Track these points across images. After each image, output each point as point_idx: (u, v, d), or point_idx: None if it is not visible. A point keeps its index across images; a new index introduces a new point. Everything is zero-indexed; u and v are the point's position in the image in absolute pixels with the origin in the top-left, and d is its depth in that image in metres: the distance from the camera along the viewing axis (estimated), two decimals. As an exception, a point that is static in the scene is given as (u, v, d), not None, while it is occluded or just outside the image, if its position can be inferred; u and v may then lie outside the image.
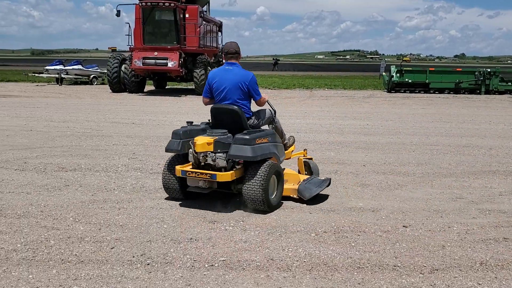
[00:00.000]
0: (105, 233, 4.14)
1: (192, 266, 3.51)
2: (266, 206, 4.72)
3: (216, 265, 3.53)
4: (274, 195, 4.91)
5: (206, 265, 3.52)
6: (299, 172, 5.83)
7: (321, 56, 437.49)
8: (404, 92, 23.25)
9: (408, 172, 6.70)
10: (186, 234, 4.15)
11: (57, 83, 25.76)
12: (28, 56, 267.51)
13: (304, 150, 6.13)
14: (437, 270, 3.53)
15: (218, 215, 4.68)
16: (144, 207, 4.89)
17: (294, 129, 10.72)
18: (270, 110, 5.56)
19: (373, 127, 11.30)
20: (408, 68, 23.85)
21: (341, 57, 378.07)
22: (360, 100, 19.33)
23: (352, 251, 3.85)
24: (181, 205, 4.99)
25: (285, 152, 5.62)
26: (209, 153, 4.73)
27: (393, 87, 23.25)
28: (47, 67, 27.02)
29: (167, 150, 5.02)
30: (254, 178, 4.66)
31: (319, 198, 5.29)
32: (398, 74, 22.93)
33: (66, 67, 26.65)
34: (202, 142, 4.69)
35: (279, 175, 4.99)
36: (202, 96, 5.45)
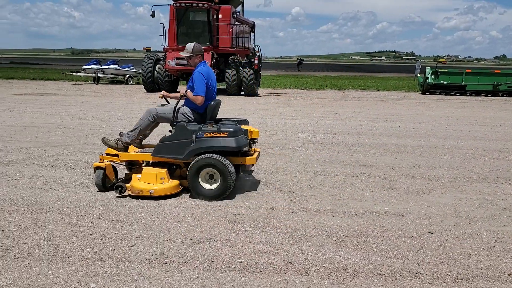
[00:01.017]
0: (126, 230, 4.18)
1: (209, 266, 3.49)
2: None
3: (233, 266, 3.50)
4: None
5: (223, 266, 3.50)
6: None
7: (356, 57, 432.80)
8: (439, 94, 22.71)
9: (438, 176, 6.50)
10: (205, 234, 4.14)
11: (94, 82, 26.39)
12: (68, 55, 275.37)
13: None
14: (461, 279, 3.40)
15: (239, 215, 4.66)
16: (167, 206, 4.92)
17: (324, 130, 10.62)
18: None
19: (405, 129, 11.06)
20: (443, 70, 23.28)
21: (376, 58, 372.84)
22: (393, 101, 18.99)
23: (374, 257, 3.75)
24: (203, 204, 4.99)
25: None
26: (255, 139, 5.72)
27: (428, 89, 22.75)
28: (84, 66, 27.77)
29: (241, 146, 5.18)
30: None
31: (343, 202, 5.21)
32: (433, 76, 22.42)
33: (102, 67, 27.28)
34: (257, 130, 5.67)
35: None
36: (201, 97, 5.37)
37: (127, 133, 5.56)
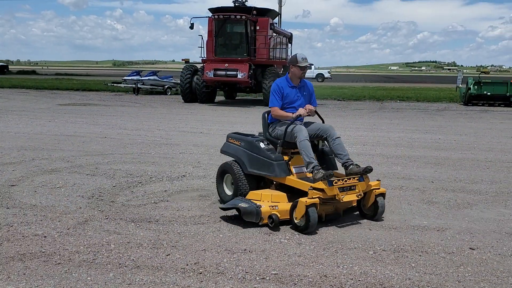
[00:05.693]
0: (162, 239, 4.24)
1: (243, 278, 3.49)
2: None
3: (268, 278, 3.49)
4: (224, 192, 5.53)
5: (257, 278, 3.49)
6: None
7: (395, 67, 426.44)
8: (482, 105, 22.03)
9: (480, 190, 6.30)
10: (240, 244, 4.15)
11: (134, 93, 27.01)
12: (110, 67, 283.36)
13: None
14: (505, 298, 3.27)
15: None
16: (202, 216, 4.96)
17: (361, 141, 10.48)
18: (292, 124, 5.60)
19: (445, 141, 10.78)
20: (487, 80, 22.58)
21: (416, 68, 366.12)
22: (433, 113, 18.56)
23: (412, 272, 3.66)
24: (238, 215, 5.00)
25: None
26: None
27: (470, 100, 22.10)
28: (125, 78, 28.47)
29: None
30: None
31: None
32: (475, 86, 21.78)
33: (142, 78, 27.91)
34: None
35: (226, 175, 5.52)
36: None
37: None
